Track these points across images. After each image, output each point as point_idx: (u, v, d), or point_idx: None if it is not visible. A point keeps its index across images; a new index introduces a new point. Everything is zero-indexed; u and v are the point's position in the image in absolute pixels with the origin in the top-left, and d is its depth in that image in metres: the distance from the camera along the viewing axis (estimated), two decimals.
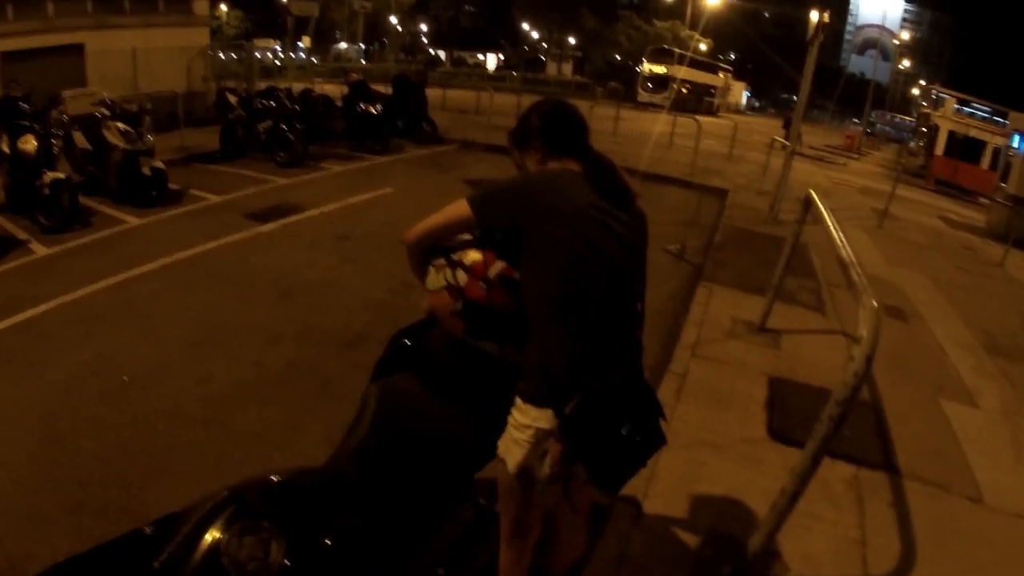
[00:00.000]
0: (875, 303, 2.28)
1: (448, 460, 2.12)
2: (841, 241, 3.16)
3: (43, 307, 5.84)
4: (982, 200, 18.94)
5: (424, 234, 2.09)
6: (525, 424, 1.99)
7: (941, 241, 13.06)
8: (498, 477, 2.15)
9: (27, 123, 8.42)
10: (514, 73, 49.13)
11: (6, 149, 8.27)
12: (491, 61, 61.11)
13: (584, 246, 1.93)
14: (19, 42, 13.62)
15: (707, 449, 3.98)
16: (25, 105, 8.86)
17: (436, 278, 2.04)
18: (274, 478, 1.84)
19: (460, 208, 2.02)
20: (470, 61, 59.90)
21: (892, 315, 7.39)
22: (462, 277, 2.00)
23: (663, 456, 3.73)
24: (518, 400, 2.01)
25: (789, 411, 4.60)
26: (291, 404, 4.50)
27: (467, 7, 58.83)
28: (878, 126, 45.06)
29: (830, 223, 3.81)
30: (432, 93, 17.50)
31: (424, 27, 57.69)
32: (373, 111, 14.16)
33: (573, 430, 1.94)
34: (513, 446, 2.03)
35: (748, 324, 6.07)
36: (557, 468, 2.01)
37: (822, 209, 4.44)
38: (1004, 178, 16.38)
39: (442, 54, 59.37)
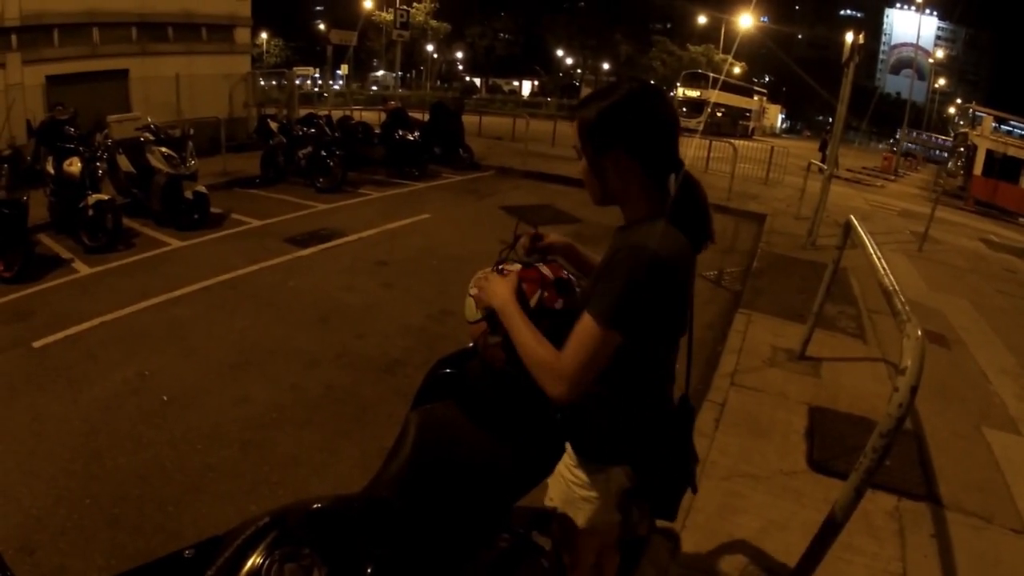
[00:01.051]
0: (920, 332, 2.23)
1: (488, 489, 2.11)
2: (883, 268, 3.11)
3: (86, 325, 5.98)
4: (1022, 221, 18.53)
5: (578, 382, 1.65)
6: (591, 482, 1.90)
7: (982, 264, 12.79)
8: (558, 538, 2.09)
9: (72, 146, 8.68)
10: (549, 100, 49.48)
11: (52, 170, 8.53)
12: (526, 88, 61.67)
13: (680, 311, 1.81)
14: (65, 67, 14.06)
15: (746, 480, 3.92)
16: (71, 128, 9.12)
17: (474, 309, 2.00)
18: (316, 504, 1.85)
19: (601, 335, 1.62)
20: (505, 88, 60.57)
21: (934, 341, 7.24)
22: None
23: (701, 487, 3.69)
24: (580, 459, 1.92)
25: (830, 441, 4.52)
26: (328, 428, 4.53)
27: (502, 35, 59.53)
28: (915, 147, 44.43)
29: (871, 249, 3.75)
30: (468, 120, 17.71)
31: (460, 55, 58.47)
32: (411, 138, 14.38)
33: (650, 484, 1.91)
34: (581, 505, 1.93)
35: (788, 352, 5.99)
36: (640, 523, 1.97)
37: (863, 234, 4.38)
38: None
39: (477, 81, 60.05)
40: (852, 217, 4.97)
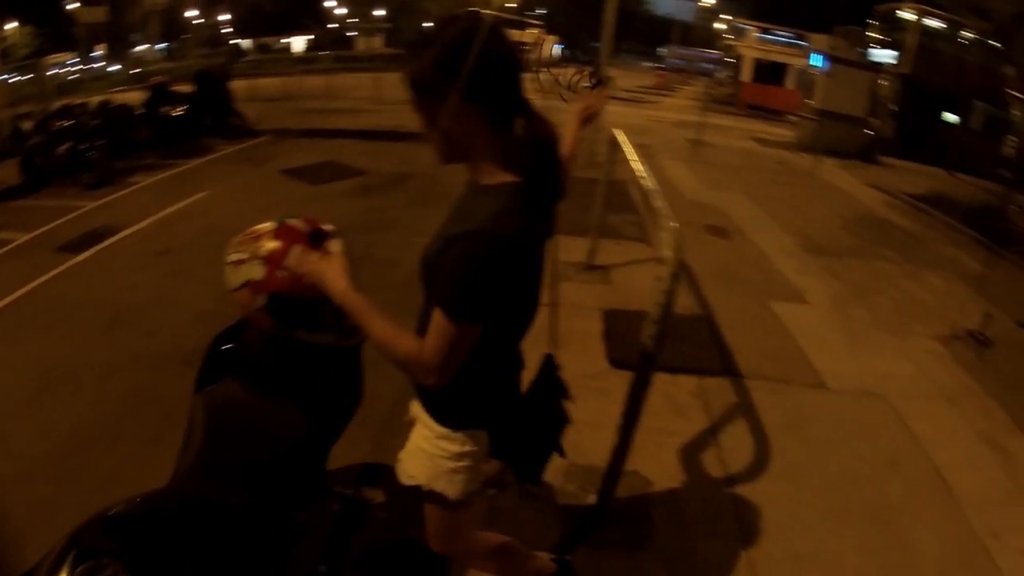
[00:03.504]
0: (675, 223, 2.44)
1: (289, 455, 2.08)
2: (643, 173, 3.35)
3: None
4: (791, 118, 20.50)
5: (445, 371, 1.60)
6: (459, 452, 1.83)
7: (755, 160, 14.07)
8: (430, 516, 2.00)
9: None
10: (322, 53, 47.58)
11: None
12: (299, 44, 58.84)
13: (535, 285, 1.80)
14: None
15: None
16: None
17: (234, 275, 1.93)
18: (112, 511, 1.76)
19: (457, 330, 1.56)
20: (275, 46, 57.40)
21: (715, 234, 7.95)
22: (259, 271, 1.89)
23: None
24: (444, 430, 1.82)
25: (626, 339, 4.76)
26: (139, 437, 4.24)
27: None
28: (683, 62, 47.26)
29: (633, 157, 4.02)
30: (239, 85, 16.78)
31: (226, 16, 54.61)
32: (176, 113, 13.40)
33: (509, 443, 1.93)
34: (450, 476, 1.85)
35: (577, 265, 6.30)
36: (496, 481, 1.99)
37: (624, 144, 4.67)
38: (808, 96, 17.81)
39: (248, 43, 56.56)
40: (615, 131, 5.27)
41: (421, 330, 1.64)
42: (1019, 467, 4.07)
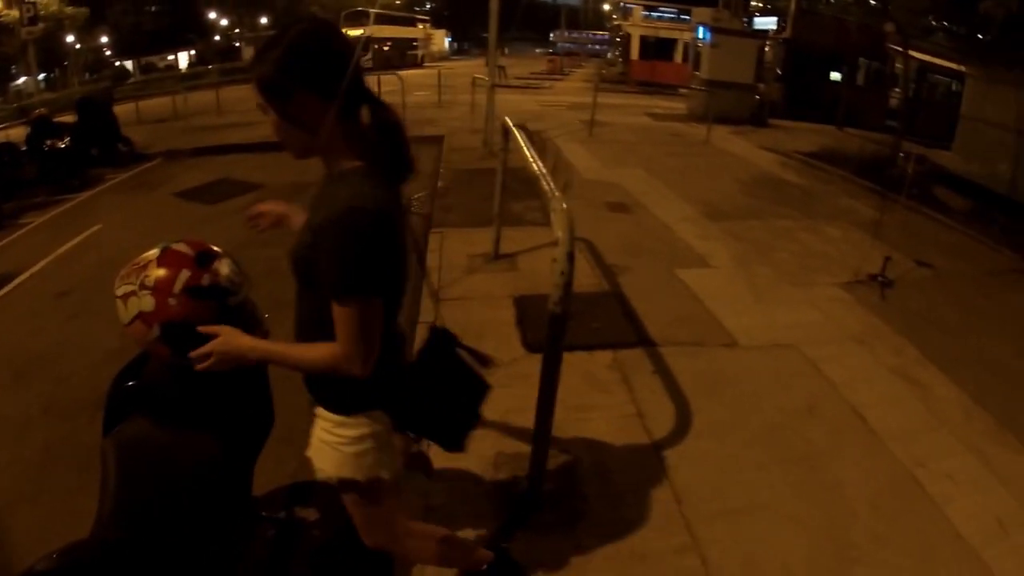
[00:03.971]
0: (564, 206, 2.45)
1: (210, 487, 2.02)
2: (532, 157, 3.35)
3: None
4: (681, 91, 21.02)
5: (370, 353, 1.70)
6: (359, 435, 1.87)
7: (650, 134, 14.37)
8: (351, 508, 2.05)
9: None
10: (209, 67, 46.06)
11: None
12: (183, 60, 56.81)
13: (404, 255, 1.84)
14: None
15: None
16: None
17: (125, 310, 1.87)
18: (36, 569, 1.67)
19: (361, 307, 1.64)
20: (161, 65, 55.29)
21: (617, 210, 8.08)
22: (148, 301, 1.84)
23: None
24: (339, 417, 1.87)
25: (538, 323, 4.76)
26: (62, 490, 4.03)
27: (148, 7, 53.88)
28: (572, 46, 47.80)
29: (522, 143, 4.03)
30: (125, 108, 16.15)
31: (105, 39, 52.14)
32: (62, 146, 12.73)
33: (412, 416, 1.99)
34: (356, 461, 1.90)
35: (484, 256, 6.29)
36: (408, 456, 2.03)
37: (515, 132, 4.69)
38: (696, 68, 18.30)
39: (130, 64, 54.23)
40: (506, 119, 5.30)
41: (301, 326, 1.80)
42: (933, 397, 4.31)
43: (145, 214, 10.08)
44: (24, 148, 12.68)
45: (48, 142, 12.62)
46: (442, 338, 2.21)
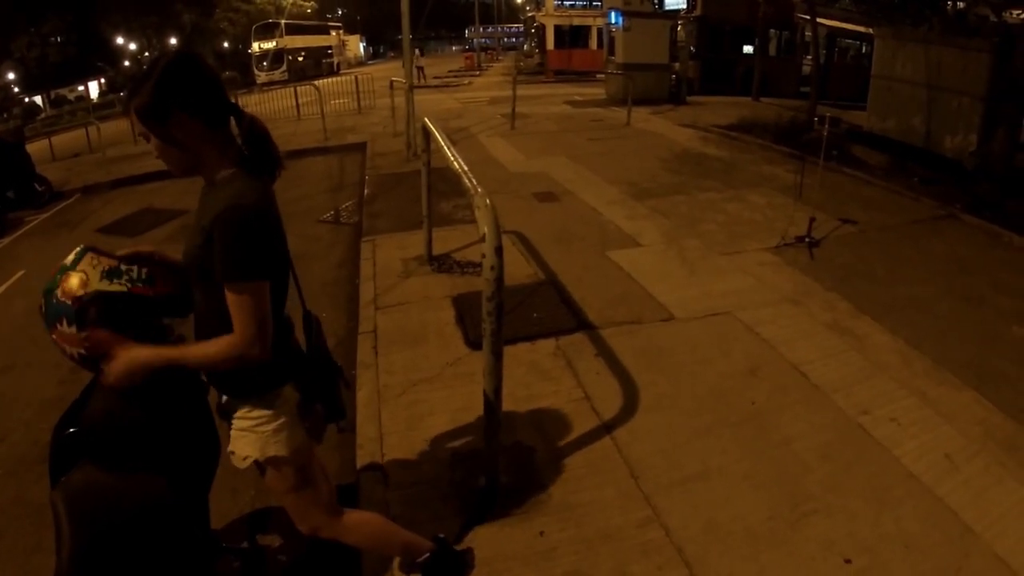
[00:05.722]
0: (488, 201, 2.45)
1: (165, 525, 2.00)
2: (452, 155, 3.35)
3: None
4: (599, 77, 21.24)
5: (265, 334, 1.87)
6: (272, 413, 2.04)
7: (571, 122, 14.49)
8: (279, 489, 2.18)
9: None
10: (122, 94, 44.68)
11: None
12: (94, 89, 54.88)
13: (281, 246, 2.02)
14: None
15: (421, 387, 4.08)
16: None
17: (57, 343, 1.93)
18: None
19: (252, 291, 1.83)
20: (71, 96, 53.30)
21: (545, 200, 8.13)
22: (67, 332, 1.88)
23: (386, 411, 3.82)
24: (251, 403, 2.04)
25: (477, 320, 4.79)
26: (17, 549, 3.87)
27: (54, 39, 51.81)
28: (487, 41, 47.93)
29: (442, 142, 4.02)
30: (38, 146, 15.60)
31: (12, 75, 49.92)
32: None
33: (313, 386, 2.18)
34: (276, 437, 2.06)
35: (418, 259, 6.22)
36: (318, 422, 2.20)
37: (434, 131, 4.68)
38: (612, 52, 18.51)
39: (39, 99, 52.11)
40: (426, 119, 5.27)
41: (200, 323, 1.99)
42: (870, 346, 4.49)
43: (66, 254, 9.72)
44: None
45: None
46: (311, 320, 2.35)
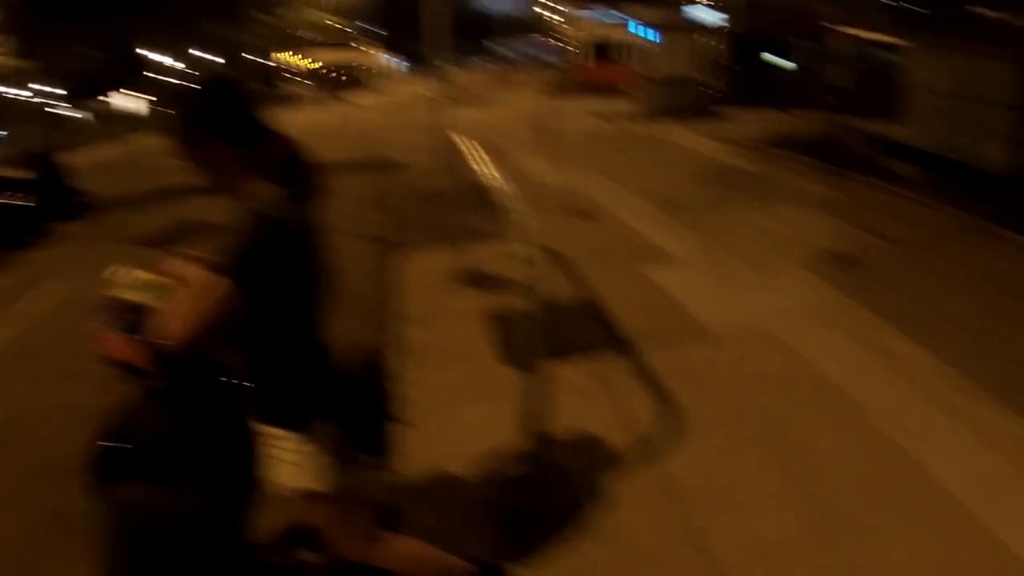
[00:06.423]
0: (526, 218, 2.45)
1: (209, 542, 2.04)
2: (488, 170, 3.34)
3: None
4: (629, 90, 21.19)
5: (193, 327, 1.77)
6: (307, 446, 2.00)
7: (603, 137, 14.54)
8: (321, 520, 2.18)
9: None
10: (158, 109, 45.62)
11: None
12: (132, 103, 56.26)
13: (312, 269, 2.02)
14: None
15: (459, 406, 4.06)
16: None
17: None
18: None
19: (217, 284, 1.77)
20: (108, 109, 54.67)
21: (578, 215, 8.13)
22: (95, 330, 1.98)
23: (421, 430, 3.79)
24: (285, 432, 1.99)
25: (512, 338, 4.75)
26: (59, 557, 3.91)
27: (91, 52, 53.42)
28: (511, 54, 48.06)
29: (474, 159, 4.02)
30: (75, 157, 15.97)
31: (59, 91, 51.51)
32: (12, 202, 12.48)
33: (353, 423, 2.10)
34: (307, 469, 2.01)
35: (452, 274, 6.19)
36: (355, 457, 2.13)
37: (467, 146, 4.68)
38: (642, 65, 18.63)
39: (80, 114, 53.55)
40: (454, 135, 5.28)
41: (232, 336, 1.93)
42: (905, 362, 4.40)
43: (102, 264, 9.85)
44: None
45: None
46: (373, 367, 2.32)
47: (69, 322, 7.66)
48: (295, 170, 2.01)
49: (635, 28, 18.89)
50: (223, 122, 1.91)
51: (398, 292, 6.00)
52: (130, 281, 2.05)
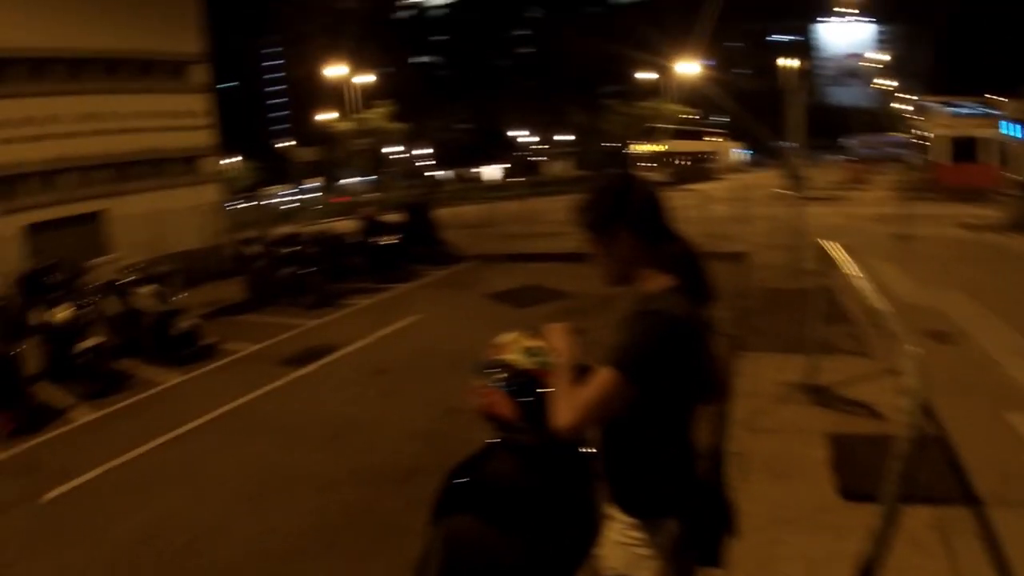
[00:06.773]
0: (916, 349, 2.25)
1: None
2: (866, 288, 3.14)
3: (93, 473, 5.93)
4: (995, 196, 18.75)
5: (584, 418, 1.91)
6: (651, 540, 2.02)
7: (966, 249, 12.93)
8: None
9: (58, 293, 8.93)
10: (514, 179, 50.61)
11: (41, 319, 8.68)
12: (492, 172, 63.39)
13: (697, 369, 2.04)
14: (41, 214, 14.57)
15: (782, 526, 3.84)
16: (54, 276, 9.28)
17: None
18: None
19: (611, 378, 1.86)
20: (467, 175, 62.36)
21: (936, 338, 7.22)
22: (475, 384, 2.24)
23: (741, 544, 3.62)
24: (634, 520, 2.03)
25: (856, 467, 4.42)
26: (353, 550, 4.45)
27: (461, 124, 61.74)
28: (870, 151, 45.08)
29: (843, 265, 3.79)
30: (440, 213, 17.89)
31: (427, 151, 60.14)
32: (387, 242, 14.70)
33: (697, 527, 2.06)
34: (644, 563, 2.02)
35: (796, 385, 5.86)
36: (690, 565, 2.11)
37: (836, 255, 4.43)
38: (1011, 168, 16.31)
39: (441, 174, 61.63)
40: (822, 241, 5.02)
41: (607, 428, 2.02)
42: None
43: (458, 310, 11.12)
44: (354, 241, 14.76)
45: (377, 238, 14.64)
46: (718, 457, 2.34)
47: (416, 352, 8.66)
48: (690, 268, 2.07)
49: (1007, 127, 16.51)
50: (634, 215, 2.02)
51: (738, 394, 5.81)
52: (517, 347, 2.23)
